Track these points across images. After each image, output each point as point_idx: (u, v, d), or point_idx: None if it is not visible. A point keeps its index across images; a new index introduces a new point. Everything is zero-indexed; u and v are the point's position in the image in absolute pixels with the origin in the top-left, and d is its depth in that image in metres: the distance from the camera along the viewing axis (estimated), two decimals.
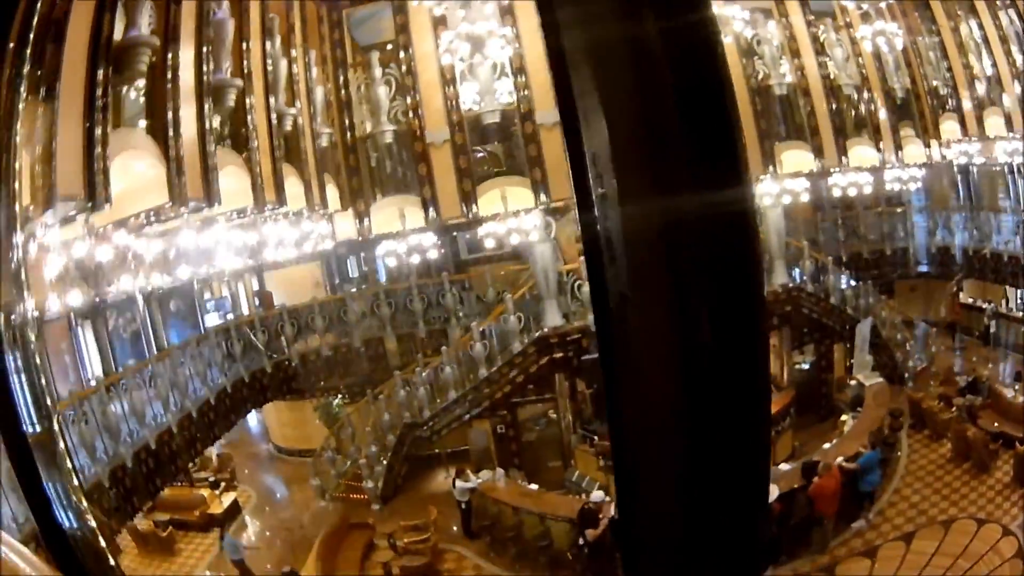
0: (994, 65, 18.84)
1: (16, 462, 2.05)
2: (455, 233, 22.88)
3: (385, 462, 19.19)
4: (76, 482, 2.14)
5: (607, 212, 1.03)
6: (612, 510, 13.68)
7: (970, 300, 24.91)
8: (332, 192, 16.29)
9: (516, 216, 17.00)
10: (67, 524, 2.01)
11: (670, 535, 1.13)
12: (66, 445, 2.18)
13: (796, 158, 19.13)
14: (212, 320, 24.67)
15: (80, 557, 2.02)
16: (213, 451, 24.56)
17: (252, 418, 28.61)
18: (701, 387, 1.05)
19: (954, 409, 17.02)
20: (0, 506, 10.16)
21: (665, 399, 1.07)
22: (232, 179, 11.98)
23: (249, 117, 12.60)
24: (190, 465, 21.67)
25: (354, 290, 22.31)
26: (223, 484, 22.07)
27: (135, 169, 10.06)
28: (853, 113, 20.18)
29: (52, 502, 2.03)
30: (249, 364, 19.25)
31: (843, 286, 20.37)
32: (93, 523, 2.09)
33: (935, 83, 21.08)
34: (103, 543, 2.10)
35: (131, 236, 10.02)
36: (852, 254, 22.72)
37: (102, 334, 19.46)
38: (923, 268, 24.29)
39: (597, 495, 14.59)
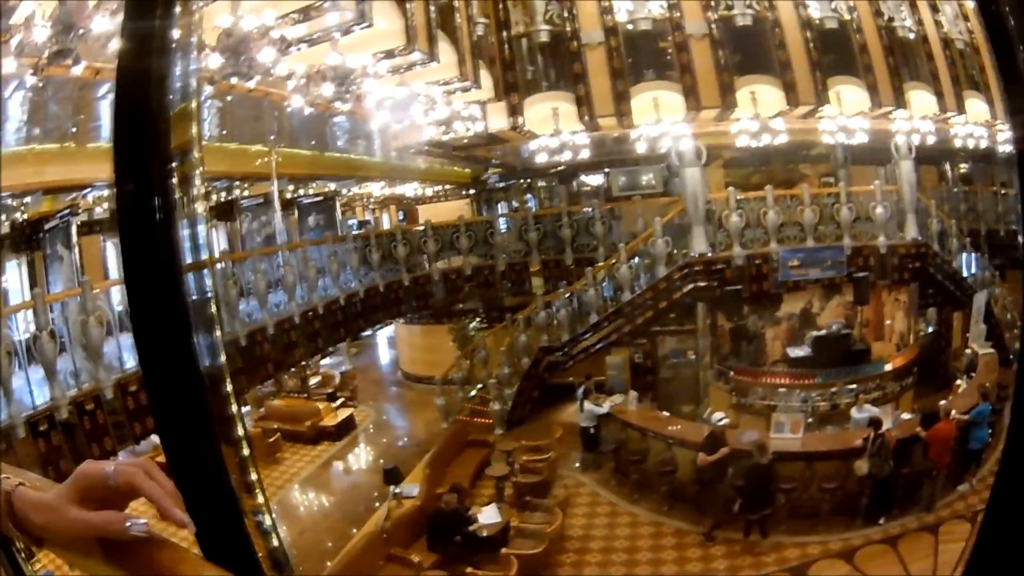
0: None
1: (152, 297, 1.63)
2: (607, 170, 21.38)
3: (516, 385, 17.41)
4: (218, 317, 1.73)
5: None
6: (736, 437, 12.27)
7: None
8: (486, 80, 14.59)
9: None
10: (204, 363, 1.61)
11: None
12: (216, 292, 1.73)
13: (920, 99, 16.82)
14: None
15: (204, 402, 1.62)
16: (337, 369, 23.53)
17: (383, 347, 27.65)
18: None
19: None
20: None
21: None
22: (383, 19, 10.31)
23: None
24: (308, 371, 20.54)
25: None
26: (341, 400, 20.70)
27: None
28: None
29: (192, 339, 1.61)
30: (386, 274, 17.58)
31: (963, 254, 18.11)
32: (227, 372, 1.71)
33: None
34: (229, 388, 1.71)
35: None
36: (969, 230, 19.44)
37: (235, 236, 18.19)
38: None
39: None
